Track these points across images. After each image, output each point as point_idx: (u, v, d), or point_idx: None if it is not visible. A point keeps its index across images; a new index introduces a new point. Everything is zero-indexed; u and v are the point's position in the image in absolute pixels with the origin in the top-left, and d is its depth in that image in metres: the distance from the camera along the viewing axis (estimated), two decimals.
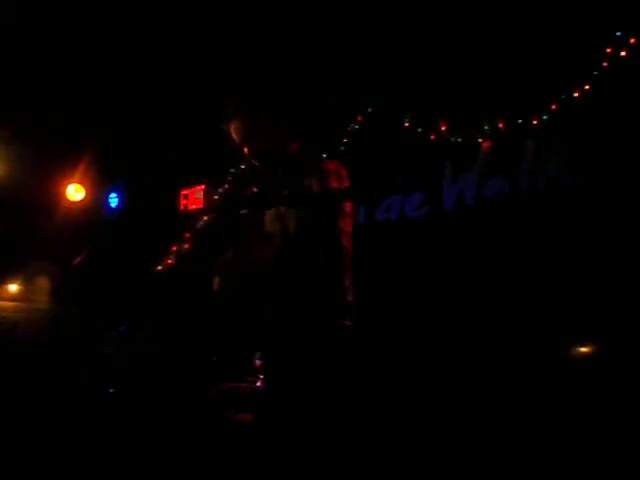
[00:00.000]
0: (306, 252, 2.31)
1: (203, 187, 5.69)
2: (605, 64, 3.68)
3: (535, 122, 3.94)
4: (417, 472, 2.46)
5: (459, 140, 4.25)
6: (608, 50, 3.68)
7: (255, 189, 2.60)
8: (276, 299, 2.32)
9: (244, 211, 2.56)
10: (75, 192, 5.64)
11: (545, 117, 3.90)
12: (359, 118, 4.78)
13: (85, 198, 5.70)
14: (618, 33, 3.66)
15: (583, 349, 3.47)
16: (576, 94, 3.77)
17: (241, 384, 2.53)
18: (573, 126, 3.77)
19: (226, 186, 5.54)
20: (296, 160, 2.50)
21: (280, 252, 2.36)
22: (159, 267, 5.66)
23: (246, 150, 2.51)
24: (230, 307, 2.45)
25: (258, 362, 2.54)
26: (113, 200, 5.96)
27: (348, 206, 2.44)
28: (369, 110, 4.72)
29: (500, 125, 4.08)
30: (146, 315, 5.17)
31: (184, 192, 5.78)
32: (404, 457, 2.41)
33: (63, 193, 5.61)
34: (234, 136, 2.51)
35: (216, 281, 2.43)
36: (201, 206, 5.69)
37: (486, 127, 4.13)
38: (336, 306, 2.35)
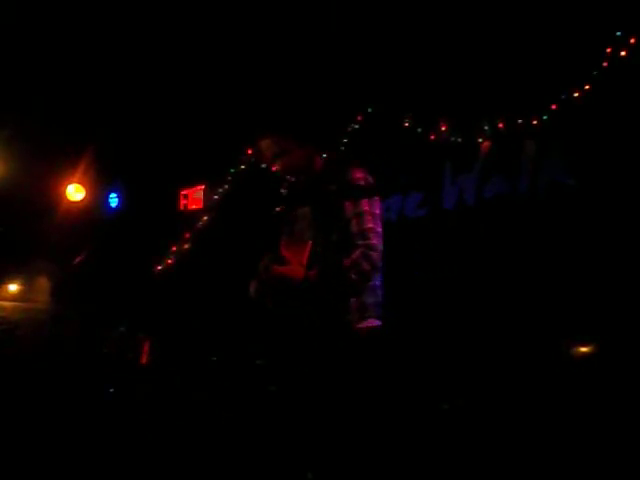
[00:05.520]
0: (337, 255, 2.33)
1: (203, 187, 5.70)
2: (605, 64, 3.68)
3: (535, 122, 3.94)
4: (417, 472, 2.46)
5: (459, 140, 4.25)
6: (608, 50, 3.68)
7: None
8: (304, 304, 2.34)
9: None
10: (75, 192, 5.65)
11: (545, 117, 3.90)
12: (359, 118, 4.78)
13: (85, 198, 5.70)
14: (618, 33, 3.66)
15: (583, 349, 3.47)
16: (576, 94, 3.77)
17: None
18: (573, 126, 3.77)
19: (226, 186, 5.55)
20: (323, 173, 2.55)
21: (312, 259, 2.39)
22: (159, 267, 5.66)
23: (277, 166, 2.58)
24: (261, 311, 2.47)
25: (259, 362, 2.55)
26: (113, 200, 5.97)
27: (377, 207, 2.47)
28: (369, 110, 4.73)
29: (500, 125, 4.08)
30: (146, 315, 5.17)
31: (184, 192, 5.79)
32: (405, 457, 2.41)
33: (63, 193, 5.61)
34: (266, 153, 2.60)
35: (253, 285, 2.46)
36: (201, 206, 5.69)
37: (486, 127, 4.13)
38: (363, 306, 2.38)
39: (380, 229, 2.43)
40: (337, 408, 2.24)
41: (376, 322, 2.42)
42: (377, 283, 2.49)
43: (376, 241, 2.38)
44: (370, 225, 2.38)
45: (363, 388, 2.28)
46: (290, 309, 2.38)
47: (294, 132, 2.57)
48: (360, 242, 2.36)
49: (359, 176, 2.47)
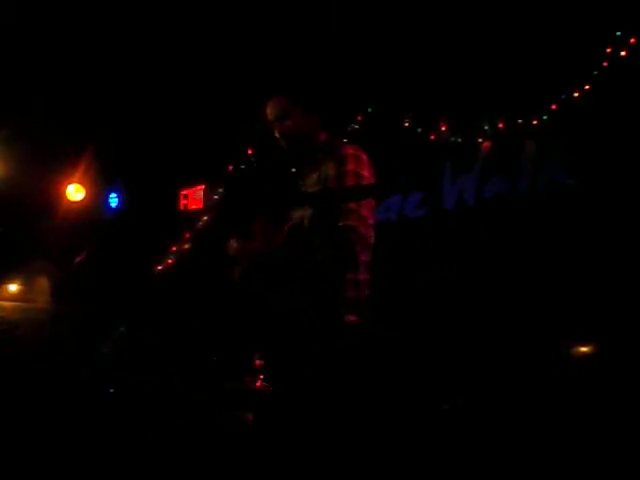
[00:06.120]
0: (317, 242, 2.27)
1: (203, 187, 5.70)
2: (605, 64, 3.69)
3: (535, 122, 3.94)
4: (417, 472, 2.46)
5: (459, 140, 4.25)
6: (608, 50, 3.68)
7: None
8: (283, 292, 2.25)
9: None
10: (75, 192, 5.64)
11: (545, 117, 3.90)
12: (359, 118, 4.78)
13: (85, 198, 5.70)
14: (618, 33, 3.66)
15: (583, 349, 3.47)
16: (576, 94, 3.77)
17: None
18: (573, 126, 3.78)
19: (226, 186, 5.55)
20: (321, 148, 2.51)
21: (286, 240, 2.33)
22: (159, 267, 5.66)
23: (277, 128, 2.52)
24: (244, 299, 2.37)
25: (258, 362, 2.51)
26: (113, 200, 5.96)
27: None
28: (369, 110, 4.73)
29: (500, 125, 4.08)
30: (146, 315, 5.17)
31: (184, 192, 5.79)
32: (404, 457, 2.41)
33: (63, 193, 5.61)
34: (269, 112, 2.53)
35: (237, 270, 2.35)
36: (201, 206, 5.69)
37: (486, 127, 4.13)
38: (342, 300, 2.31)
39: (365, 213, 2.33)
40: (335, 408, 2.24)
41: (352, 318, 2.30)
42: (360, 277, 2.38)
43: (355, 222, 2.28)
44: (352, 206, 2.29)
45: (347, 387, 2.23)
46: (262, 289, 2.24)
47: (298, 95, 2.51)
48: (340, 224, 2.26)
49: (350, 152, 2.42)
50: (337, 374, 2.28)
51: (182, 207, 5.78)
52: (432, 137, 4.35)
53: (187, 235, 5.61)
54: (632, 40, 3.61)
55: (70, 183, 5.62)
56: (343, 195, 2.29)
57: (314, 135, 2.54)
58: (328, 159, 2.42)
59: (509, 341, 3.60)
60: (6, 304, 5.69)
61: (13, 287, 5.88)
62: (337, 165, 2.36)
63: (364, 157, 2.44)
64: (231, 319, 2.44)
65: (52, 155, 5.47)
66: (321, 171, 2.43)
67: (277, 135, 2.56)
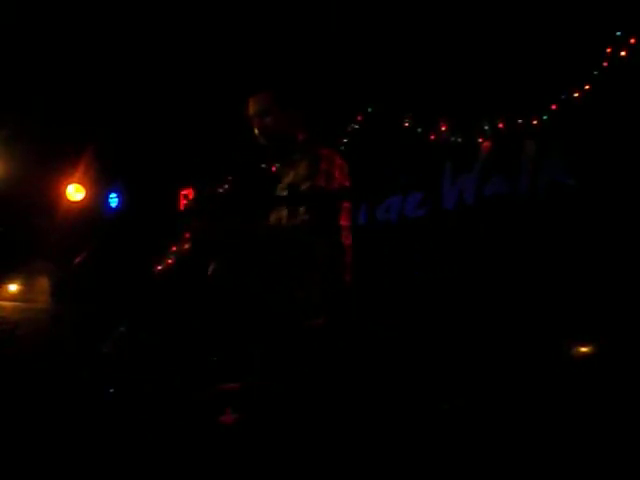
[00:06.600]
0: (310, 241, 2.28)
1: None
2: (605, 64, 3.69)
3: (535, 122, 3.94)
4: (417, 472, 2.46)
5: (459, 140, 4.26)
6: (608, 50, 3.68)
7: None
8: (269, 287, 2.27)
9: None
10: (75, 192, 5.64)
11: (545, 117, 3.90)
12: (359, 118, 4.78)
13: (85, 198, 5.70)
14: (618, 33, 3.66)
15: (583, 349, 3.47)
16: (576, 94, 3.77)
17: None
18: (573, 126, 3.78)
19: (226, 186, 5.55)
20: (299, 149, 2.51)
21: (266, 240, 2.33)
22: (159, 267, 5.67)
23: (256, 124, 2.51)
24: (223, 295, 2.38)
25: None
26: (113, 200, 5.96)
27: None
28: (369, 110, 4.73)
29: (500, 125, 4.09)
30: (146, 315, 5.17)
31: (184, 192, 5.79)
32: (404, 457, 2.41)
33: (63, 193, 5.61)
34: (251, 107, 2.52)
35: (211, 267, 2.38)
36: None
37: (486, 127, 4.13)
38: (325, 303, 2.31)
39: (348, 241, 2.35)
40: (334, 408, 2.24)
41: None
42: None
43: None
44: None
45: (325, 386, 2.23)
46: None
47: (283, 93, 2.50)
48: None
49: (324, 153, 2.42)
50: (336, 373, 2.28)
51: (182, 207, 5.78)
52: (432, 137, 4.36)
53: (187, 235, 5.61)
54: (632, 40, 3.62)
55: (70, 183, 5.61)
56: (313, 197, 2.28)
57: (293, 135, 2.54)
58: (303, 159, 2.43)
59: (509, 341, 3.60)
60: (6, 304, 5.69)
61: (13, 287, 5.88)
62: (310, 164, 2.37)
63: (338, 160, 2.46)
64: (211, 314, 2.45)
65: (52, 155, 5.47)
66: (297, 171, 2.44)
67: (256, 131, 2.55)
